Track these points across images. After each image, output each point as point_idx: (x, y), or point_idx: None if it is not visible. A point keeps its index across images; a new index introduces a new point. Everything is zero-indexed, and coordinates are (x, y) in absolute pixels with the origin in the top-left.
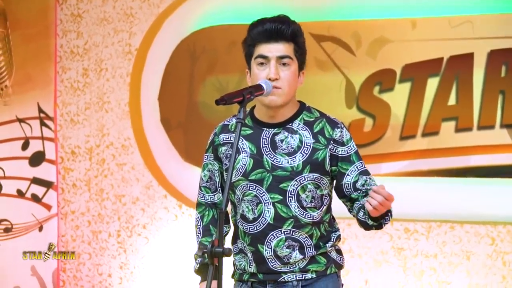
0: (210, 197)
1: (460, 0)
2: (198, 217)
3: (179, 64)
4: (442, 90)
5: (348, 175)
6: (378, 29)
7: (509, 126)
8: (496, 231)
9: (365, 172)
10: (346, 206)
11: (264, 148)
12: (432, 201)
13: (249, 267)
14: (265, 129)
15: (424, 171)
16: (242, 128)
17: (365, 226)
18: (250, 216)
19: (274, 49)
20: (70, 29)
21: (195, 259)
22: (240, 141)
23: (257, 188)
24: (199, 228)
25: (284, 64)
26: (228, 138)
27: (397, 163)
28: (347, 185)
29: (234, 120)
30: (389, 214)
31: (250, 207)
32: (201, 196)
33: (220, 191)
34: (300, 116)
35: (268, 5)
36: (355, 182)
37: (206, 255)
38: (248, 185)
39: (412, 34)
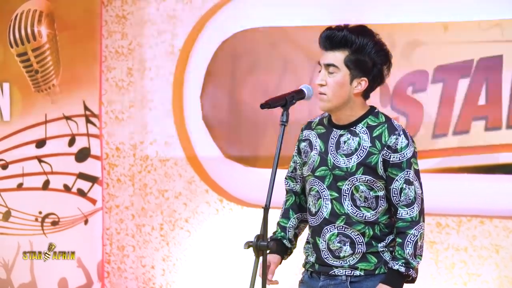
0: (293, 186)
1: (489, 5)
2: (284, 201)
3: (220, 64)
4: (472, 91)
5: (397, 180)
6: (411, 32)
7: None
8: None
9: (408, 182)
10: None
11: (330, 148)
12: (463, 196)
13: (311, 257)
14: (334, 130)
15: (455, 168)
16: (318, 127)
17: None
18: (313, 209)
19: (325, 57)
20: (115, 30)
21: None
22: (314, 139)
23: (319, 184)
24: (282, 210)
25: (330, 72)
26: (309, 134)
27: (429, 160)
28: (395, 190)
29: (317, 118)
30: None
31: (313, 201)
32: (286, 183)
33: (302, 182)
34: (365, 120)
35: (307, 8)
36: (402, 189)
37: (253, 248)
38: (314, 180)
39: (444, 37)
